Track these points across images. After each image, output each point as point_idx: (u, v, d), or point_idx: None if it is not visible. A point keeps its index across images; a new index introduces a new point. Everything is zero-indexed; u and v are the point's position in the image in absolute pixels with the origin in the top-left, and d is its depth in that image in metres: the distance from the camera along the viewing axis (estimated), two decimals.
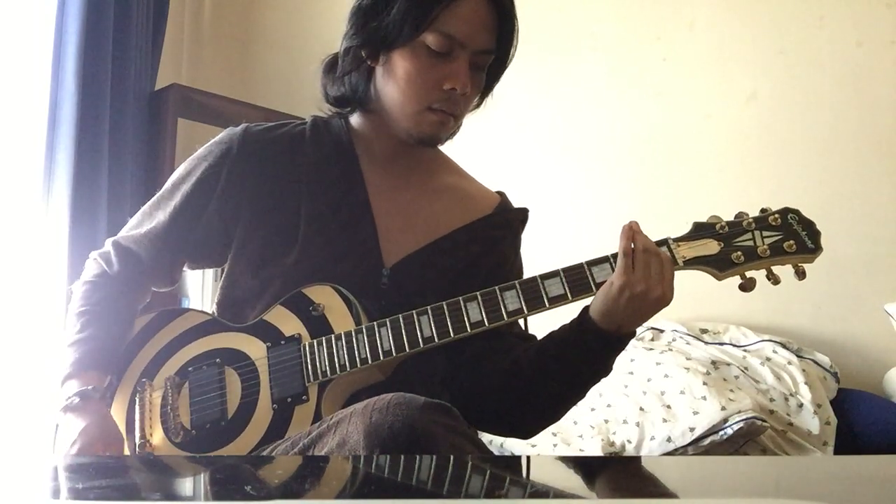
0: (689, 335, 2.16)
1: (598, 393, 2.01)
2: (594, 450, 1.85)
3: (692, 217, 1.11)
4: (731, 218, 1.10)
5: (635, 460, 1.47)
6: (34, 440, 2.37)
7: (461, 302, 1.07)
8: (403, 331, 1.06)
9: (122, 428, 1.15)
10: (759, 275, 1.08)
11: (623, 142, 2.58)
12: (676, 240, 1.08)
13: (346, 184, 1.20)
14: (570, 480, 0.83)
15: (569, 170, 2.64)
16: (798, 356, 2.06)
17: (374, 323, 1.08)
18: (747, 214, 1.09)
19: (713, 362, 2.01)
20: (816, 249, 1.06)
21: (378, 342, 1.07)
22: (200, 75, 3.20)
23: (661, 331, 2.22)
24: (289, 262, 1.15)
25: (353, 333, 1.08)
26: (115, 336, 1.21)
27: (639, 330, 2.27)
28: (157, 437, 1.12)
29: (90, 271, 1.28)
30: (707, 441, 1.78)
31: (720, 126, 2.44)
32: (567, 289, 1.05)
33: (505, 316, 1.06)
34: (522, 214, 1.29)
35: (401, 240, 1.18)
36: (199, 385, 1.13)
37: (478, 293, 1.07)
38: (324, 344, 1.09)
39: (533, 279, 1.07)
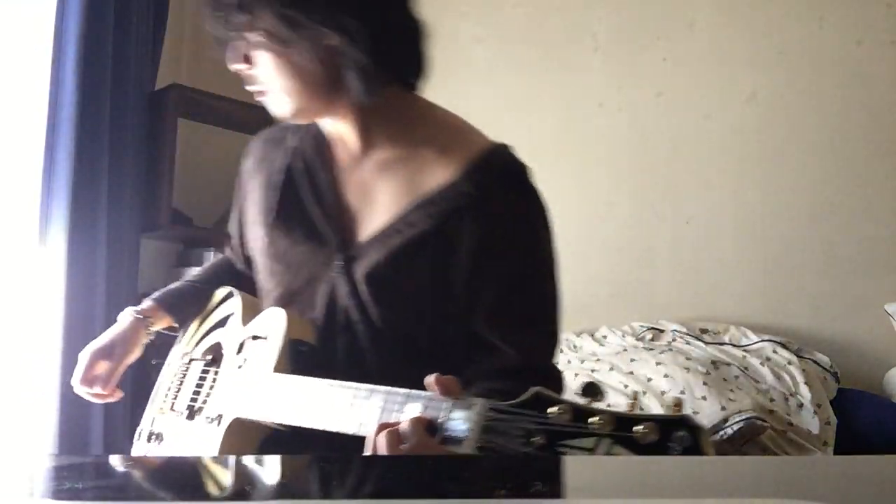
0: (689, 335, 2.16)
1: None
2: None
3: (691, 217, 1.08)
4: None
5: (634, 460, 1.47)
6: (34, 444, 2.37)
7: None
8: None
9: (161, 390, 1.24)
10: None
11: (623, 142, 2.58)
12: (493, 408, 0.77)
13: (314, 169, 1.15)
14: (571, 480, 0.83)
15: (568, 170, 2.64)
16: (798, 356, 2.05)
17: (278, 375, 1.02)
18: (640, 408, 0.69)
19: (713, 362, 2.01)
20: None
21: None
22: (200, 75, 3.20)
23: (661, 331, 2.22)
24: (265, 253, 1.15)
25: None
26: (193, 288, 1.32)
27: (639, 329, 2.28)
28: (172, 405, 1.20)
29: None
30: None
31: (720, 126, 2.44)
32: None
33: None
34: (501, 167, 1.05)
35: (364, 221, 1.10)
36: (193, 375, 1.20)
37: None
38: None
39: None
